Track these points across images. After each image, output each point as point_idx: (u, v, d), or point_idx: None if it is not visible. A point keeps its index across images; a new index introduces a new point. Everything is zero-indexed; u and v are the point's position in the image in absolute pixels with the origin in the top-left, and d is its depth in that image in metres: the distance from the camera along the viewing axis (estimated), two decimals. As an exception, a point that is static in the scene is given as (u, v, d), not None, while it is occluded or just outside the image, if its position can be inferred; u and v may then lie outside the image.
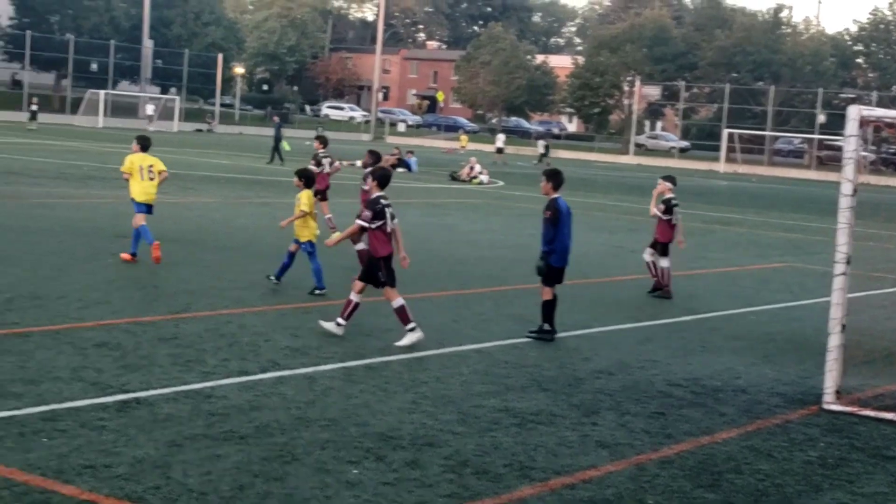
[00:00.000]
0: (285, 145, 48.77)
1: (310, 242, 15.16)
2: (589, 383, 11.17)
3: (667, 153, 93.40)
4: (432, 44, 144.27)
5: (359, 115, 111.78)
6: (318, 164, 21.08)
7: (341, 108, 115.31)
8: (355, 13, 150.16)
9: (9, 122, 69.16)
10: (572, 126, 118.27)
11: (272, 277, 15.45)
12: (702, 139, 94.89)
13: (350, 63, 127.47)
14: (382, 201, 12.46)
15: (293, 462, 7.94)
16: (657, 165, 76.92)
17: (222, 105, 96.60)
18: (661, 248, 17.54)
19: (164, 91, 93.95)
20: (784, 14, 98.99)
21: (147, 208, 16.83)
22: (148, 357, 10.73)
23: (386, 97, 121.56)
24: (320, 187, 20.50)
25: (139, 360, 10.56)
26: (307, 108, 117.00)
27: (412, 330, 12.30)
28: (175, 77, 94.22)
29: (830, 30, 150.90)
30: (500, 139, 72.88)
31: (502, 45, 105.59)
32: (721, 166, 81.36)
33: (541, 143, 77.56)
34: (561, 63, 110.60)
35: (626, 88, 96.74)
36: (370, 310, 13.50)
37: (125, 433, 8.28)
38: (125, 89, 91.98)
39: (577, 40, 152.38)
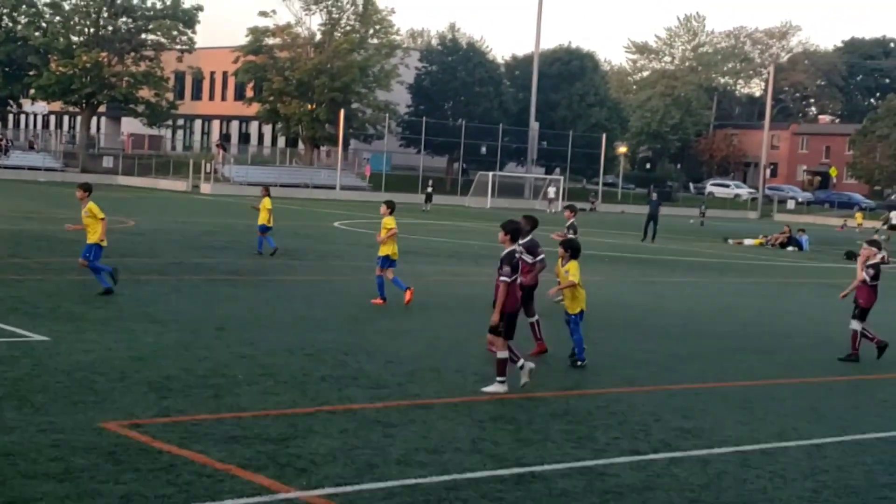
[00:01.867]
0: None
1: (582, 313, 15.01)
2: None
3: None
4: (825, 118, 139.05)
5: (745, 192, 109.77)
6: (575, 232, 22.11)
7: (727, 186, 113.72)
8: (742, 89, 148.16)
9: (407, 204, 73.45)
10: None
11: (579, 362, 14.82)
12: None
13: (736, 140, 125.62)
14: (517, 255, 12.73)
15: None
16: None
17: (605, 184, 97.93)
18: None
19: (549, 171, 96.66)
20: None
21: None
22: (541, 432, 10.92)
23: (774, 174, 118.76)
24: None
25: (533, 435, 10.77)
26: (691, 185, 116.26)
27: (501, 382, 12.56)
28: (559, 157, 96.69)
29: None
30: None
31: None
32: None
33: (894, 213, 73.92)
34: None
35: None
36: (763, 394, 13.09)
37: (522, 507, 8.46)
38: (512, 171, 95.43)
39: None
